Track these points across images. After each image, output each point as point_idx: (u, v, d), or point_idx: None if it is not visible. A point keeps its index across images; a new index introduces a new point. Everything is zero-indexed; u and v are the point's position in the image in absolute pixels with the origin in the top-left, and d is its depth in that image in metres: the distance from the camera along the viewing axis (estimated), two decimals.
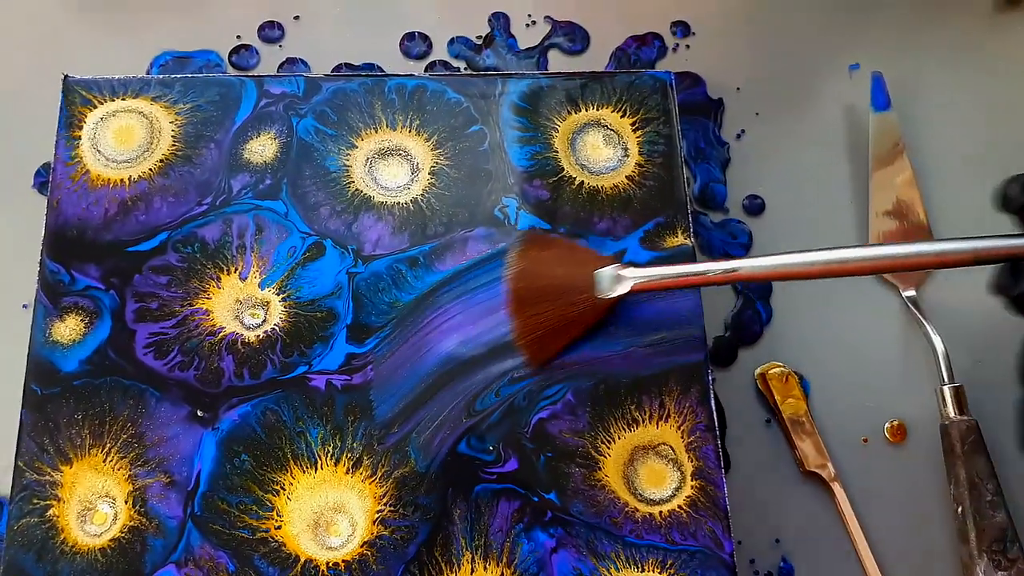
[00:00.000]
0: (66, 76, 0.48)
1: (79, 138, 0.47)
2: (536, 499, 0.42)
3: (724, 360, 0.49)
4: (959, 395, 0.46)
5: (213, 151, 0.47)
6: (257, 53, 0.54)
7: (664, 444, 0.43)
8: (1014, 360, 0.43)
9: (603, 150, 0.48)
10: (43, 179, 0.51)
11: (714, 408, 0.43)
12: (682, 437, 0.43)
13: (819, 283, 0.50)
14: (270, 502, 0.41)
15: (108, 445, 0.42)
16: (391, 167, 0.47)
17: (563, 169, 0.48)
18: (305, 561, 0.40)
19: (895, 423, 0.48)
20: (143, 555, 0.40)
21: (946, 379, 0.47)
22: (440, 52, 0.55)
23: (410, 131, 0.48)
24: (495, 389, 0.43)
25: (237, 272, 0.45)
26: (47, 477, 0.41)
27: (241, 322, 0.44)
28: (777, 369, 0.48)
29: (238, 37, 0.54)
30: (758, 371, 0.48)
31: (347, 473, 0.42)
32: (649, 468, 0.43)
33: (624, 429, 0.43)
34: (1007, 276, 0.41)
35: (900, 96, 0.54)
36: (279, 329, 0.44)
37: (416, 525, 0.41)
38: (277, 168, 0.47)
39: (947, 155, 0.53)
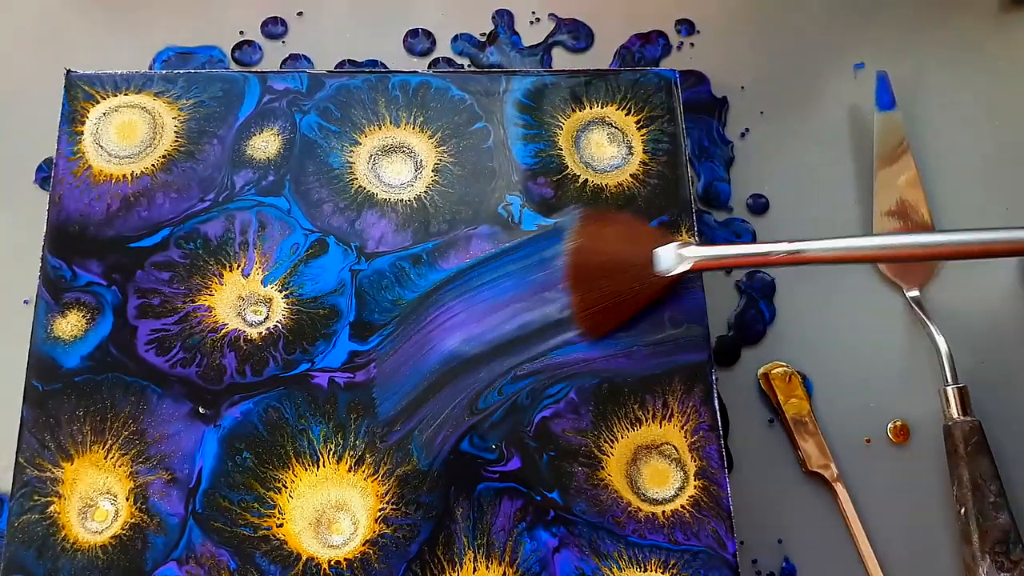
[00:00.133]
0: (68, 71, 0.48)
1: (81, 133, 0.47)
2: (539, 498, 0.42)
3: (727, 359, 0.49)
4: (963, 396, 0.46)
5: (216, 147, 0.47)
6: (260, 49, 0.54)
7: (667, 444, 0.43)
8: (1021, 360, 0.43)
9: (607, 148, 0.48)
10: (44, 174, 0.50)
11: (717, 408, 0.43)
12: (685, 437, 0.43)
13: (822, 282, 0.50)
14: (272, 500, 0.41)
15: (109, 442, 0.42)
16: (394, 164, 0.47)
17: (567, 167, 0.48)
18: (307, 559, 0.40)
19: (898, 424, 0.48)
20: (144, 552, 0.40)
21: (949, 379, 0.47)
22: (444, 49, 0.54)
23: (414, 128, 0.48)
24: (498, 387, 0.43)
25: (240, 269, 0.45)
26: (48, 474, 0.41)
27: (243, 319, 0.44)
28: (780, 369, 0.48)
29: (241, 33, 0.54)
30: (761, 371, 0.48)
31: (349, 471, 0.42)
32: (652, 468, 0.42)
33: (627, 428, 0.43)
34: None
35: (904, 95, 0.53)
36: (282, 326, 0.44)
37: (418, 523, 0.41)
38: (280, 164, 0.47)
39: (951, 154, 0.53)
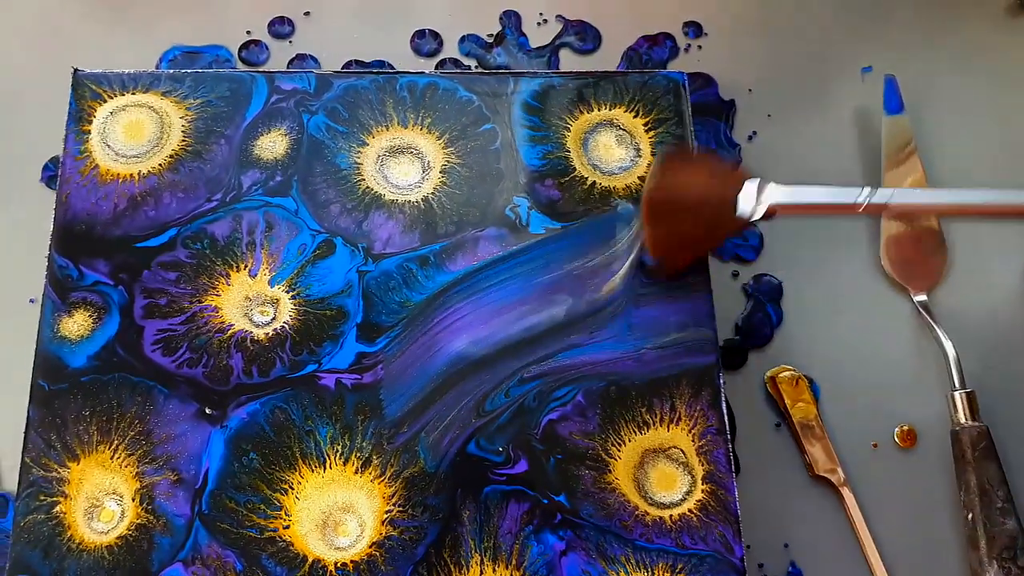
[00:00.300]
0: (76, 70, 0.48)
1: (89, 132, 0.46)
2: (546, 501, 0.41)
3: (734, 363, 0.49)
4: (970, 400, 0.46)
5: (223, 147, 0.47)
6: (267, 48, 0.54)
7: (675, 447, 0.43)
8: None
9: (615, 150, 0.48)
10: (51, 173, 0.50)
11: (725, 412, 0.43)
12: (693, 440, 0.43)
13: (829, 287, 0.50)
14: (278, 501, 0.41)
15: (116, 442, 0.42)
16: (402, 165, 0.47)
17: (575, 169, 0.47)
18: (313, 561, 0.40)
19: (905, 428, 0.48)
20: (150, 553, 0.40)
21: (957, 384, 0.47)
22: (451, 50, 0.54)
23: (421, 129, 0.48)
24: (505, 389, 0.43)
25: (247, 269, 0.45)
26: (54, 473, 0.41)
27: (250, 319, 0.44)
28: (787, 372, 0.48)
29: (248, 32, 0.54)
30: (768, 374, 0.48)
31: (356, 473, 0.42)
32: (660, 471, 0.42)
33: (634, 432, 0.43)
34: None
35: (911, 99, 0.53)
36: (288, 327, 0.44)
37: (425, 526, 0.41)
38: (288, 165, 0.46)
39: (959, 158, 0.53)
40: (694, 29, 0.55)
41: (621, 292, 0.45)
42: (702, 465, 0.42)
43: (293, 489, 0.41)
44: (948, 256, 0.51)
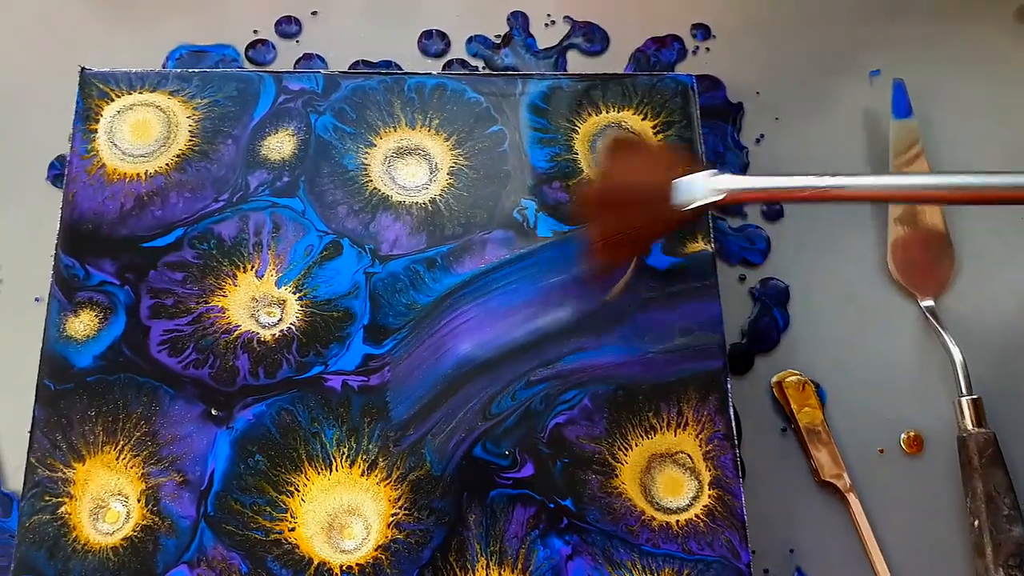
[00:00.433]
0: (83, 68, 0.48)
1: (95, 131, 0.46)
2: (552, 505, 0.41)
3: (740, 367, 0.48)
4: (977, 407, 0.46)
5: (230, 147, 0.46)
6: (274, 48, 0.54)
7: (682, 452, 0.43)
8: None
9: None
10: (57, 171, 0.50)
11: (732, 417, 0.43)
12: (700, 446, 0.43)
13: (836, 292, 0.50)
14: (284, 503, 0.41)
15: (121, 443, 0.41)
16: (409, 166, 0.47)
17: (583, 172, 0.47)
18: (318, 564, 0.40)
19: (912, 434, 0.48)
20: (155, 555, 0.40)
21: (964, 390, 0.47)
22: (458, 51, 0.54)
23: (429, 130, 0.48)
24: (511, 392, 0.43)
25: (253, 270, 0.44)
26: (59, 474, 0.41)
27: (257, 320, 0.44)
28: (794, 377, 0.48)
29: (255, 32, 0.54)
30: (774, 379, 0.48)
31: (362, 475, 0.41)
32: (667, 476, 0.42)
33: (641, 436, 0.43)
34: None
35: (919, 103, 0.53)
36: (295, 328, 0.43)
37: (431, 529, 0.41)
38: (295, 165, 0.46)
39: (966, 162, 0.53)
40: (702, 31, 0.55)
41: (627, 296, 0.45)
42: (709, 470, 0.42)
43: (299, 491, 0.41)
44: (955, 261, 0.51)
